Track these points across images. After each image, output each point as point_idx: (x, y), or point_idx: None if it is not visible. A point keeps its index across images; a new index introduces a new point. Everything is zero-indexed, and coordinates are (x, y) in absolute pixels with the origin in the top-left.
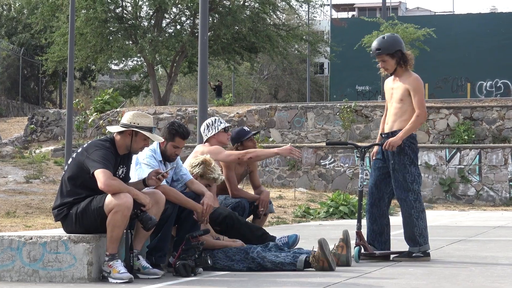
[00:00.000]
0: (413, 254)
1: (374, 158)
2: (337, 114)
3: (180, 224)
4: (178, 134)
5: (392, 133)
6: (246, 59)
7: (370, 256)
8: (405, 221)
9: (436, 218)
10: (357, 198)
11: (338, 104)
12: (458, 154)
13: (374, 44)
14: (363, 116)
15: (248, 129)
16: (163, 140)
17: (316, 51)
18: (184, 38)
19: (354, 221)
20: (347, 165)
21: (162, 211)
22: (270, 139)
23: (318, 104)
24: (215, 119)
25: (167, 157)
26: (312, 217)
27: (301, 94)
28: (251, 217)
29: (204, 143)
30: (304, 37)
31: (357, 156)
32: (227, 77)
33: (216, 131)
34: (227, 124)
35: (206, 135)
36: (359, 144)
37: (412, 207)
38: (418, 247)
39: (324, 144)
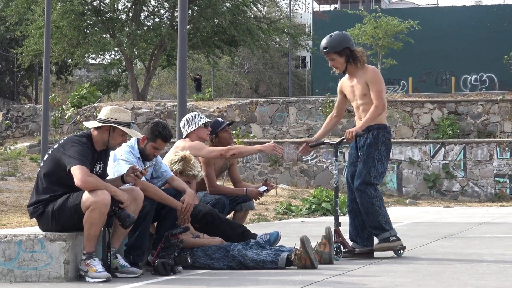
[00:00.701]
0: (390, 238)
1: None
2: (319, 108)
3: (160, 221)
4: (161, 137)
5: (369, 128)
6: (226, 52)
7: (350, 253)
8: (367, 211)
9: (421, 214)
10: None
11: (321, 99)
12: (443, 149)
13: (322, 42)
14: (345, 111)
15: (223, 120)
16: (141, 136)
17: (297, 44)
18: (163, 32)
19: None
20: (329, 161)
21: (141, 208)
22: (251, 135)
23: (300, 99)
24: (195, 114)
25: (145, 156)
26: (294, 214)
27: (282, 89)
28: (232, 214)
29: (184, 138)
30: (285, 30)
31: (339, 152)
32: (207, 71)
33: (196, 127)
34: (207, 119)
35: (186, 130)
36: (331, 141)
37: (373, 196)
38: (388, 231)
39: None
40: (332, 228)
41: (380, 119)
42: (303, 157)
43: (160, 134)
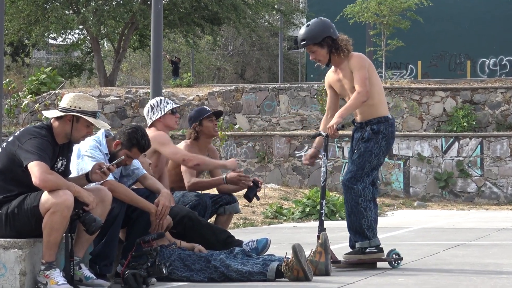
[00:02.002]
0: (367, 250)
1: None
2: (315, 96)
3: (130, 226)
4: (138, 146)
5: (367, 123)
6: (208, 32)
7: (335, 264)
8: (351, 211)
9: (431, 219)
10: (338, 195)
11: (316, 85)
12: (456, 143)
13: (299, 34)
14: (345, 100)
15: (210, 109)
16: (109, 127)
17: (290, 22)
18: (135, 7)
19: (335, 223)
20: (327, 157)
21: (108, 211)
22: (236, 127)
23: (293, 85)
24: (161, 99)
25: (114, 157)
26: (285, 218)
27: (272, 74)
28: (214, 217)
29: (149, 127)
30: (275, 7)
31: (338, 146)
32: (186, 53)
33: (162, 113)
34: (175, 105)
35: (151, 118)
36: (323, 133)
37: (360, 195)
38: (368, 241)
39: (299, 132)
40: (316, 234)
41: (380, 110)
42: (296, 152)
43: (138, 143)
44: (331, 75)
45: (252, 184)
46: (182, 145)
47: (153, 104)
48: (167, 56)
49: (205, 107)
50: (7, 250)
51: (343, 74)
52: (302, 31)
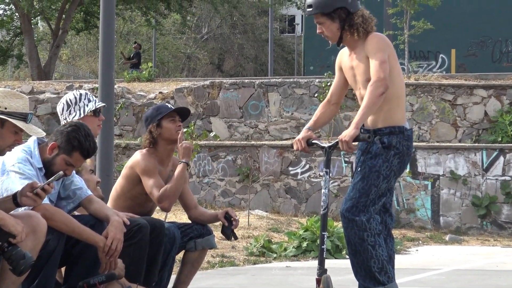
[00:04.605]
0: None
1: None
2: (315, 95)
3: (70, 265)
4: (80, 150)
5: (376, 132)
6: (175, 8)
7: None
8: (355, 250)
9: (467, 257)
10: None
11: (317, 81)
12: (502, 158)
13: None
14: (354, 99)
15: (171, 106)
16: (43, 134)
17: None
18: None
19: (340, 262)
20: (330, 174)
21: (42, 245)
22: (211, 134)
23: (286, 80)
24: (81, 95)
25: (51, 171)
26: (275, 255)
27: (259, 64)
28: (182, 253)
29: None
30: None
31: (345, 161)
32: (146, 37)
33: (81, 115)
34: (99, 103)
35: (66, 118)
36: (322, 143)
37: (365, 228)
38: (383, 286)
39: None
40: (315, 277)
41: (395, 118)
42: (290, 169)
43: (80, 145)
44: (345, 57)
45: (224, 219)
46: (137, 156)
47: (70, 100)
48: (123, 54)
49: (166, 103)
50: None
51: (358, 61)
52: None
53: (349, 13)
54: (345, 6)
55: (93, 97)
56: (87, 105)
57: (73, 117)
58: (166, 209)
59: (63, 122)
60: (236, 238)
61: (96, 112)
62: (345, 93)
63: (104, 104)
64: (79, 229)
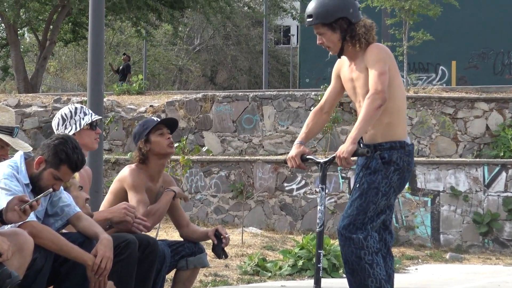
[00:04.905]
0: None
1: None
2: (311, 108)
3: (59, 284)
4: (68, 163)
5: (376, 147)
6: (166, 19)
7: None
8: (352, 268)
9: (468, 276)
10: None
11: (313, 93)
12: (504, 174)
13: (308, 7)
14: (351, 113)
15: (157, 119)
16: (30, 148)
17: (278, 7)
18: None
19: (337, 281)
20: (326, 191)
21: (29, 264)
22: (204, 149)
23: (281, 93)
24: (76, 108)
25: (38, 186)
26: (270, 274)
27: (253, 77)
28: (174, 272)
29: None
30: None
31: (342, 177)
32: (136, 48)
33: (77, 128)
34: (95, 116)
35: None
36: (317, 158)
37: (362, 246)
38: None
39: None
40: None
41: (396, 132)
42: (286, 184)
43: (68, 158)
44: (345, 67)
45: (214, 237)
46: (125, 171)
47: (65, 114)
48: (112, 66)
49: (153, 117)
50: None
51: (358, 72)
52: (311, 3)
53: (351, 23)
54: (346, 16)
55: (89, 110)
56: (83, 119)
57: (69, 131)
58: (148, 228)
59: None
60: (226, 256)
61: (92, 126)
62: (338, 101)
63: (100, 117)
64: (67, 247)
